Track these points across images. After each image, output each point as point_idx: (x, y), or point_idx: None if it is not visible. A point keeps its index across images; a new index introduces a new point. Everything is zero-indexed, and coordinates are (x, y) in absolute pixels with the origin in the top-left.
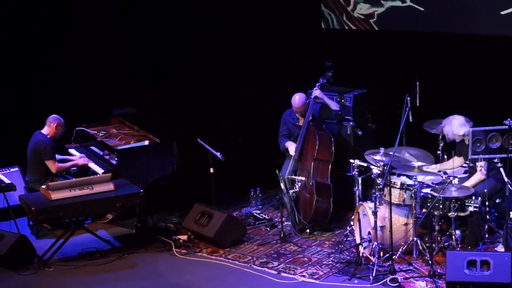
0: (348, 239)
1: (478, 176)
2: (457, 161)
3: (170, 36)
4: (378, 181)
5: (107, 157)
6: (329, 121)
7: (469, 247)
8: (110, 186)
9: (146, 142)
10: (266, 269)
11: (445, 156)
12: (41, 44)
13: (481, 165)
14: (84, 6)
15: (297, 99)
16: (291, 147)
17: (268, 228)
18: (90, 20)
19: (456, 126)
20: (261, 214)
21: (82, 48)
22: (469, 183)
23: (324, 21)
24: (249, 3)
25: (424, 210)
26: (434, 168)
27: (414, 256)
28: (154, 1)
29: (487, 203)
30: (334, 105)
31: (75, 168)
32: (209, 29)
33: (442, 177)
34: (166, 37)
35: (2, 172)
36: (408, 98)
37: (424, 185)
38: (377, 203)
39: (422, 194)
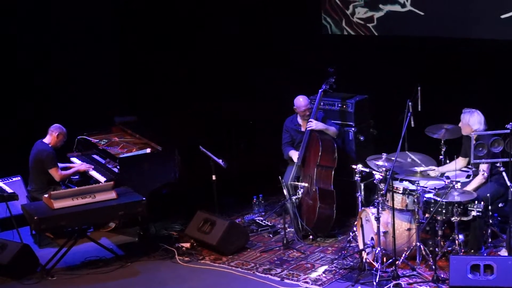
0: (351, 245)
1: (479, 179)
2: (460, 162)
3: (171, 44)
4: (380, 187)
5: (109, 165)
6: None
7: (472, 251)
8: (112, 195)
9: (148, 150)
10: (269, 276)
11: (447, 161)
12: (42, 52)
13: (483, 168)
14: (84, 14)
15: (301, 100)
16: (295, 156)
17: (271, 235)
18: (90, 28)
19: (474, 118)
20: (264, 221)
21: (83, 56)
22: (471, 186)
23: (324, 29)
24: (248, 9)
25: (427, 215)
26: (436, 171)
27: (417, 261)
28: (154, 9)
29: (490, 207)
30: (332, 130)
31: (77, 176)
32: (209, 35)
33: (445, 182)
34: (167, 45)
35: (4, 182)
36: (410, 103)
37: (427, 190)
38: (380, 209)
39: (424, 199)
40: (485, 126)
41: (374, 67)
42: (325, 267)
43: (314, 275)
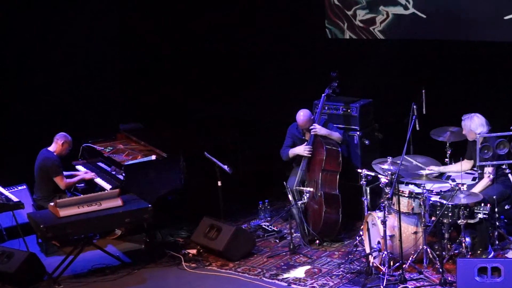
0: (357, 249)
1: (485, 182)
2: (465, 165)
3: (174, 51)
4: (386, 190)
5: (114, 172)
6: None
7: (479, 251)
8: (118, 202)
9: (153, 157)
10: (276, 281)
11: (453, 164)
12: (47, 61)
13: (489, 171)
14: (89, 22)
15: (302, 115)
16: (298, 149)
17: (277, 240)
18: (93, 36)
19: (475, 123)
20: (270, 226)
21: (87, 65)
22: (477, 189)
23: (326, 33)
24: (250, 15)
25: (433, 218)
26: (440, 169)
27: (424, 264)
28: (157, 16)
29: (496, 209)
30: (336, 136)
31: (82, 184)
32: (211, 43)
33: (451, 184)
34: (171, 52)
35: (10, 190)
36: (415, 107)
37: (433, 193)
38: (386, 212)
39: (431, 202)
40: (488, 126)
41: (378, 71)
42: (307, 267)
43: (292, 275)
